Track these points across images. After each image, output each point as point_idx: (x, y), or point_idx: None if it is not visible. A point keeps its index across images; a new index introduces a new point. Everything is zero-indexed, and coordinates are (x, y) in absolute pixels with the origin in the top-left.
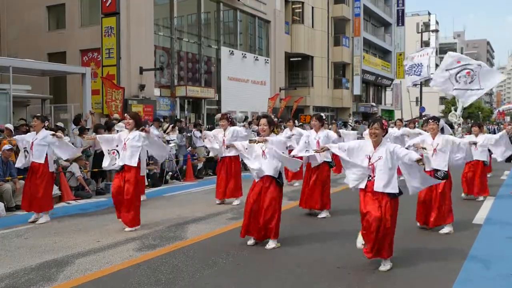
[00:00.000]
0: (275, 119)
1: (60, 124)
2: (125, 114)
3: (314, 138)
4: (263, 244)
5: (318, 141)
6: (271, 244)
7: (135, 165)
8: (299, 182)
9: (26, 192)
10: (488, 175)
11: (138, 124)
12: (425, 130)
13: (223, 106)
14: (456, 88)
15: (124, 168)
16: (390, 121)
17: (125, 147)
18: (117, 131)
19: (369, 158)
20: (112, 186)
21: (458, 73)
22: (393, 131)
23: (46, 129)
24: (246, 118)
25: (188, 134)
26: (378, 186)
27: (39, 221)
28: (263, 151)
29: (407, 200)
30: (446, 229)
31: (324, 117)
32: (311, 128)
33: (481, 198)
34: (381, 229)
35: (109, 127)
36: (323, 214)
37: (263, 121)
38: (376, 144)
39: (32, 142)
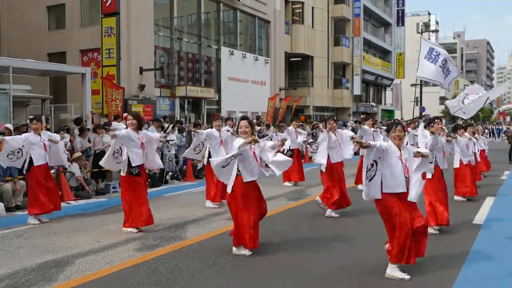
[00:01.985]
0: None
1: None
2: (125, 114)
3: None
4: (263, 244)
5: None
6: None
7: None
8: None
9: (48, 195)
10: (483, 175)
11: (141, 123)
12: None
13: (223, 106)
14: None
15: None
16: (389, 121)
17: (143, 146)
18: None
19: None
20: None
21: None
22: (366, 128)
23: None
24: None
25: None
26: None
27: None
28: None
29: None
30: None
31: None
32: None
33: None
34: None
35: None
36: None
37: (244, 123)
38: (399, 148)
39: (44, 144)
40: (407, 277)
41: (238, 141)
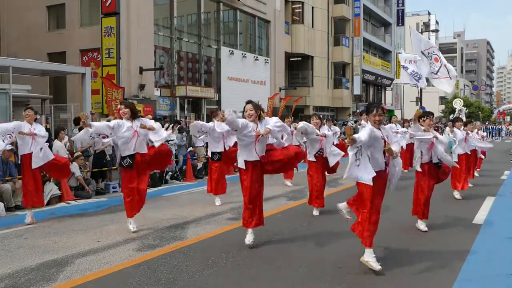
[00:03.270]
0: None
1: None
2: (119, 106)
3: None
4: (263, 244)
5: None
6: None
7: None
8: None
9: (31, 188)
10: (476, 173)
11: (134, 112)
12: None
13: (223, 106)
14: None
15: (136, 158)
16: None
17: (135, 134)
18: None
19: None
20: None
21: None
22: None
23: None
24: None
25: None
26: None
27: (29, 219)
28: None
29: (406, 200)
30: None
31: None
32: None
33: (456, 193)
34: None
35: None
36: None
37: (249, 106)
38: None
39: (34, 134)
40: (378, 267)
41: (245, 123)
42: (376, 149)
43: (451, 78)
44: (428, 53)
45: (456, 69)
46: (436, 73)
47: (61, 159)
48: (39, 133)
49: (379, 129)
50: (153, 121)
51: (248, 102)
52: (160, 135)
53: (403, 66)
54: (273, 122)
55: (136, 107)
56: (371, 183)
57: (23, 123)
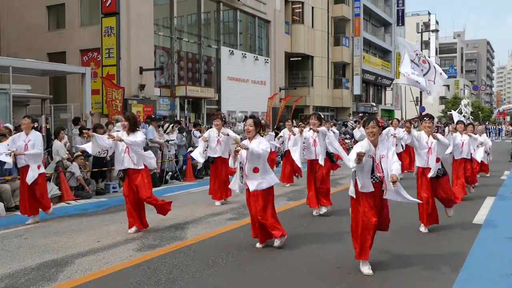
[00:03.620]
0: (262, 121)
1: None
2: (121, 117)
3: (312, 137)
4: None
5: (315, 140)
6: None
7: (143, 167)
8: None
9: (26, 197)
10: (487, 175)
11: (134, 125)
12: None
13: (223, 106)
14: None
15: (129, 173)
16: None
17: (126, 149)
18: (117, 131)
19: (373, 159)
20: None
21: (418, 60)
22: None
23: (35, 130)
24: (246, 118)
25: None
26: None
27: (30, 221)
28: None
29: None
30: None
31: (322, 117)
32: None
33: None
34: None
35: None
36: (324, 209)
37: (249, 121)
38: (375, 144)
39: (26, 144)
40: (367, 271)
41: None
42: (363, 171)
43: (434, 83)
44: (417, 54)
45: (455, 70)
46: (425, 74)
47: (43, 198)
48: (30, 149)
49: (375, 145)
50: (138, 137)
51: (251, 117)
52: (148, 158)
53: (403, 74)
54: (260, 144)
55: (137, 119)
56: (353, 195)
57: (18, 135)
